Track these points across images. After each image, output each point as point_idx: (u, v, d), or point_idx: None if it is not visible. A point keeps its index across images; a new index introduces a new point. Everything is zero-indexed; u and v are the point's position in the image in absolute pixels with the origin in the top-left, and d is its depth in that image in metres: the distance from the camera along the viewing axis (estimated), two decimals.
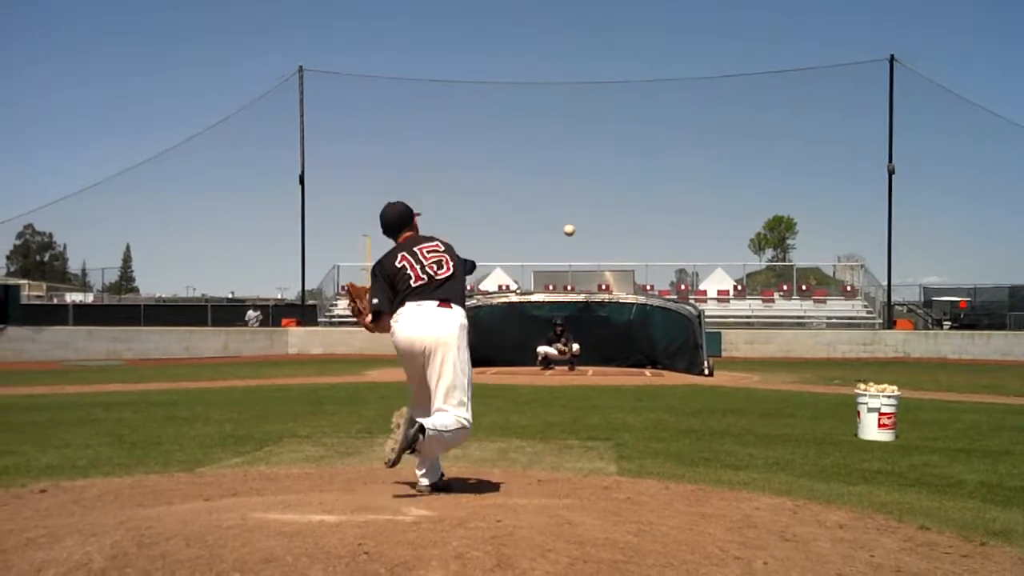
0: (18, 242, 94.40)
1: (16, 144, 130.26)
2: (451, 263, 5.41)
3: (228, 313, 45.42)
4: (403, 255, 5.37)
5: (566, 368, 21.71)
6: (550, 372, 21.29)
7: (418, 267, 5.33)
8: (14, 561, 3.25)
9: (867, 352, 36.48)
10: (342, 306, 45.62)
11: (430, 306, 5.23)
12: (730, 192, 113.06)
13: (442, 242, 5.54)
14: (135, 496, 5.07)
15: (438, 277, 5.32)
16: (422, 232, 5.65)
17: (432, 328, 5.18)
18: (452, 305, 5.32)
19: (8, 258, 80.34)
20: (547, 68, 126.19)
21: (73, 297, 55.09)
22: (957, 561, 3.86)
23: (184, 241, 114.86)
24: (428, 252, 5.41)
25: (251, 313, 41.60)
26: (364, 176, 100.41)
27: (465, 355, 5.33)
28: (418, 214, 5.65)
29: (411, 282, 5.27)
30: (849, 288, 47.11)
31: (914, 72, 44.32)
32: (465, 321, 5.40)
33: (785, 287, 47.26)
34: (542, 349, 22.09)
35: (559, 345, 21.87)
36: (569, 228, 19.90)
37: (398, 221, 5.59)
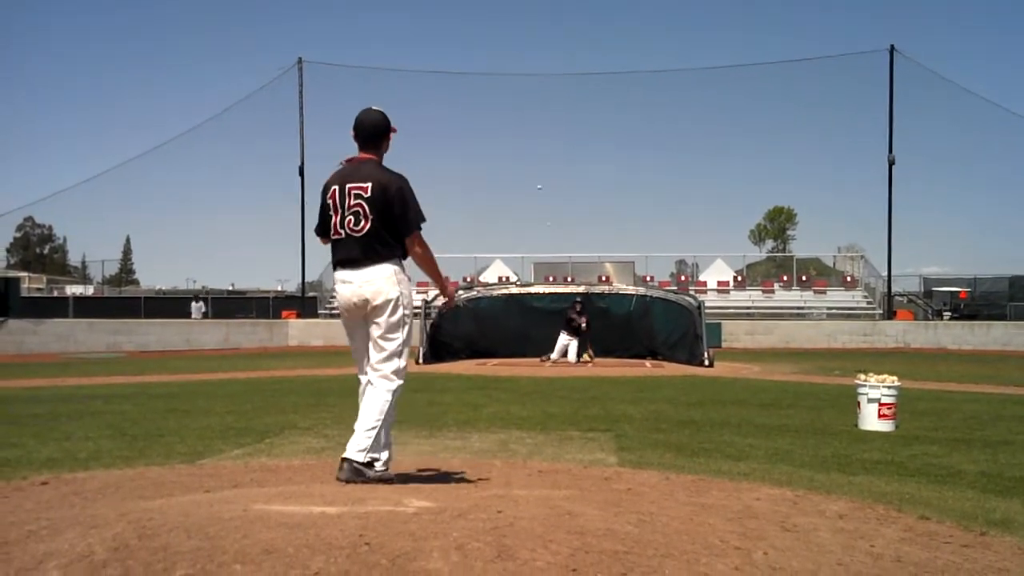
0: (18, 235, 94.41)
1: (16, 136, 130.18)
2: (369, 219, 4.93)
3: (229, 305, 45.42)
4: (335, 189, 5.02)
5: (582, 360, 21.73)
6: (549, 362, 21.33)
7: (338, 217, 4.99)
8: (16, 553, 3.25)
9: (867, 343, 36.51)
10: None
11: (347, 274, 4.99)
12: (730, 183, 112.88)
13: (377, 183, 4.96)
14: (136, 488, 5.08)
15: (353, 235, 4.95)
16: (391, 152, 5.20)
17: (356, 294, 4.96)
18: (364, 266, 4.95)
19: (8, 251, 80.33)
20: (548, 59, 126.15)
21: (73, 289, 55.16)
22: (957, 551, 3.86)
23: (184, 233, 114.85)
24: (353, 197, 4.96)
25: (195, 305, 41.11)
26: None
27: (394, 318, 4.98)
28: (393, 130, 5.17)
29: (331, 233, 5.03)
30: (849, 279, 47.14)
31: (914, 62, 44.30)
32: (385, 280, 4.95)
33: (785, 278, 47.31)
34: (563, 342, 22.06)
35: (579, 348, 21.86)
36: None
37: (365, 133, 5.13)
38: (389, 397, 4.94)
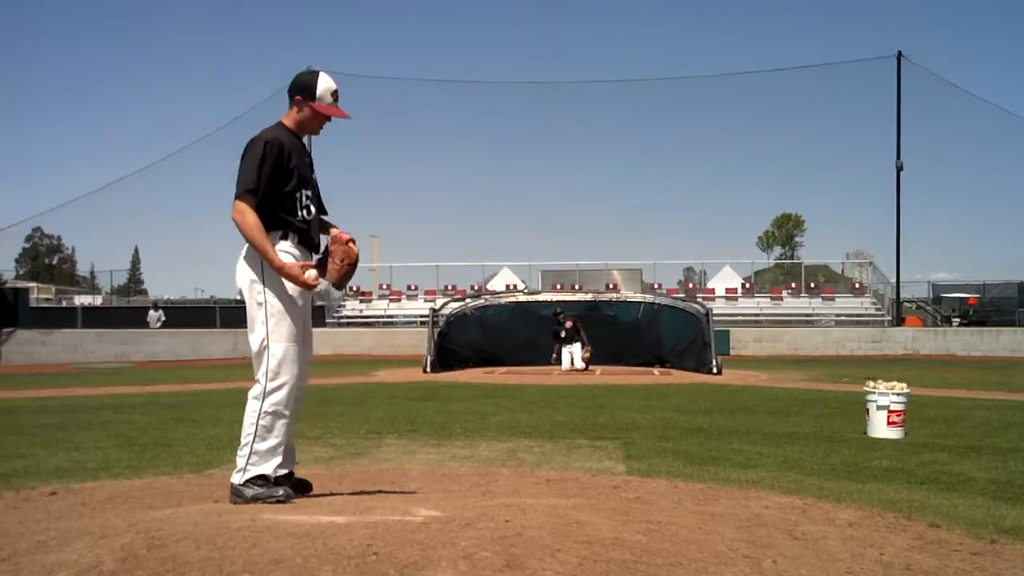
0: (27, 245, 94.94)
1: (24, 146, 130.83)
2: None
3: (237, 315, 45.47)
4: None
5: (582, 367, 21.74)
6: (560, 372, 21.31)
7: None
8: (25, 563, 3.26)
9: (876, 349, 36.41)
10: (350, 307, 45.74)
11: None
12: (738, 190, 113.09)
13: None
14: (145, 498, 5.08)
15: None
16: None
17: None
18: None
19: (17, 261, 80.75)
20: (555, 67, 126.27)
21: (82, 299, 55.23)
22: (967, 559, 3.84)
23: (192, 243, 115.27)
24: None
25: (152, 314, 40.90)
26: (370, 176, 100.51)
27: (251, 305, 4.49)
28: (300, 100, 4.61)
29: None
30: (858, 285, 46.99)
31: (922, 68, 44.26)
32: (240, 260, 4.52)
33: (793, 285, 47.15)
34: (567, 352, 22.06)
35: (581, 351, 21.84)
36: None
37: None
38: (255, 406, 4.41)
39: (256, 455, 4.39)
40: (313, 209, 4.62)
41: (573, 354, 21.95)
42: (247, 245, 4.40)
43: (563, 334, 22.09)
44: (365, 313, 44.42)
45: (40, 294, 57.39)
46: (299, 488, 4.68)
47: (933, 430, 9.17)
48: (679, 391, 15.37)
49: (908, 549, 3.95)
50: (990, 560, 3.86)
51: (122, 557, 3.22)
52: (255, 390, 4.41)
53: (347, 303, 46.71)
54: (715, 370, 20.67)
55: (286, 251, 4.45)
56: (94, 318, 40.88)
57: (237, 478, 4.41)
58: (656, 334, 24.45)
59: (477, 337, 24.51)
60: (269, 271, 4.36)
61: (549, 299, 26.63)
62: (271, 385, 4.37)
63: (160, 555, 3.23)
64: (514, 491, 5.29)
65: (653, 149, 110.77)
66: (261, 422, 4.38)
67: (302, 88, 4.60)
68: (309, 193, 4.60)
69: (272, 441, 4.40)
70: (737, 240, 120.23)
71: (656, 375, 20.61)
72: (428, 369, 21.29)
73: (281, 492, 4.41)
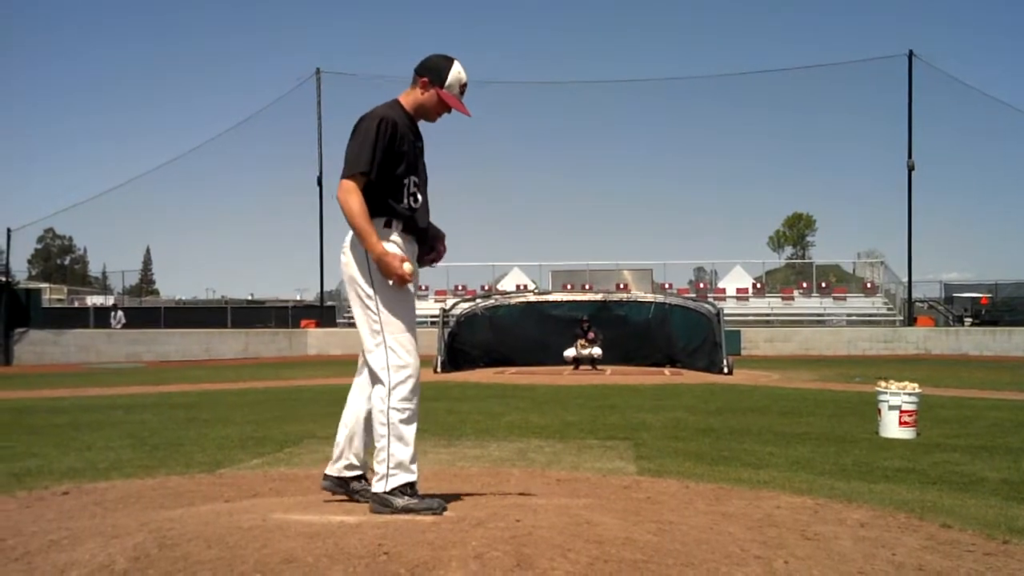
0: (39, 246, 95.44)
1: (36, 148, 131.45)
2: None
3: (248, 315, 45.61)
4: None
5: (589, 367, 21.75)
6: (571, 371, 21.29)
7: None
8: (37, 563, 3.27)
9: (888, 349, 36.31)
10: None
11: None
12: (749, 190, 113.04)
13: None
14: (156, 498, 5.10)
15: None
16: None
17: None
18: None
19: (29, 262, 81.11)
20: (565, 67, 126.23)
21: (94, 300, 55.49)
22: (980, 559, 3.83)
23: (204, 243, 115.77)
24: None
25: (113, 315, 40.70)
26: None
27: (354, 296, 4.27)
28: (427, 81, 4.31)
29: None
30: (869, 285, 46.89)
31: (933, 67, 44.09)
32: (345, 247, 4.29)
33: (804, 284, 47.09)
34: (569, 353, 22.09)
35: (584, 342, 21.87)
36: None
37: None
38: (382, 406, 4.12)
39: (397, 459, 4.06)
40: (420, 197, 4.32)
41: (575, 355, 21.99)
42: (351, 233, 4.13)
43: (585, 333, 22.09)
44: None
45: (52, 295, 57.68)
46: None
47: (945, 430, 9.13)
48: (690, 391, 15.34)
49: (920, 549, 3.94)
50: (1002, 560, 3.84)
51: (134, 556, 3.23)
52: (379, 390, 4.10)
53: None
54: (726, 370, 20.62)
55: (390, 239, 4.17)
56: (106, 318, 41.05)
57: (380, 486, 4.06)
58: (667, 334, 24.41)
59: (487, 337, 24.51)
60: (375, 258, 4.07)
61: (560, 299, 26.63)
62: (395, 379, 4.07)
63: (171, 555, 3.24)
64: (525, 491, 5.29)
65: (663, 149, 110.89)
66: (392, 420, 4.05)
67: (432, 70, 4.29)
68: (417, 180, 4.31)
69: (409, 438, 4.09)
70: (748, 240, 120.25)
71: (667, 375, 20.58)
72: (439, 369, 21.31)
73: (436, 503, 4.08)
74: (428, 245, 4.45)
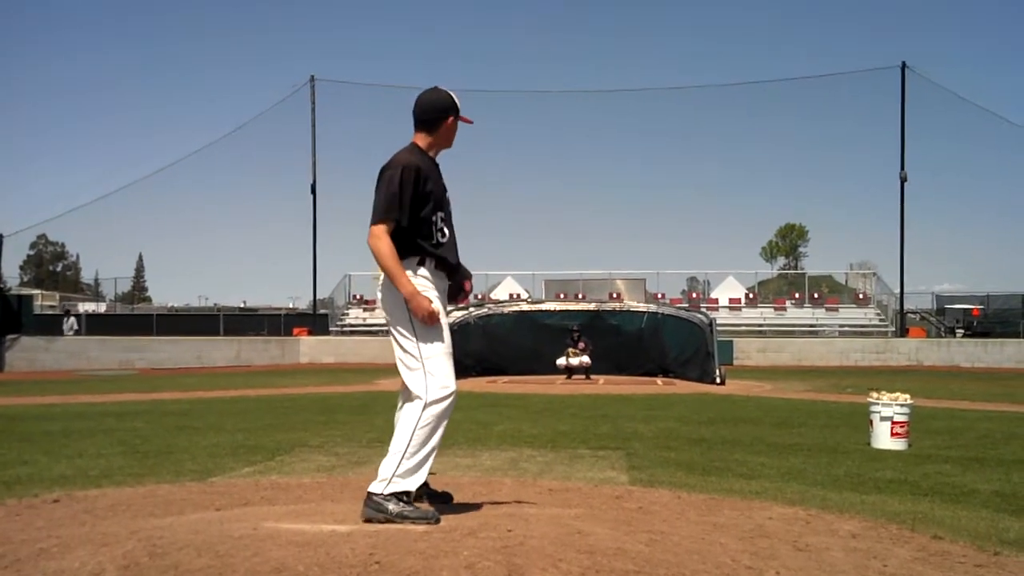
0: (31, 252, 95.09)
1: (29, 154, 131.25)
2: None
3: (240, 322, 45.51)
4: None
5: (582, 376, 21.78)
6: (564, 381, 21.29)
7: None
8: (27, 571, 3.26)
9: (880, 360, 36.39)
10: (353, 315, 45.78)
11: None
12: (741, 200, 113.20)
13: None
14: (147, 506, 5.08)
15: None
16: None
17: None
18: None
19: (21, 268, 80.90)
20: (559, 76, 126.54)
21: (86, 307, 55.32)
22: (971, 571, 3.84)
23: (196, 250, 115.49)
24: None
25: (66, 321, 40.43)
26: (371, 186, 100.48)
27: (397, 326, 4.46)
28: (451, 115, 4.59)
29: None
30: (861, 296, 46.98)
31: (926, 79, 44.29)
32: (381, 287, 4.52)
33: (797, 295, 47.19)
34: (560, 362, 22.13)
35: (575, 350, 21.92)
36: None
37: (414, 113, 4.61)
38: (413, 416, 4.29)
39: (405, 468, 4.20)
40: (447, 231, 4.52)
41: (567, 364, 22.03)
42: (384, 275, 4.37)
43: (575, 343, 22.15)
44: (369, 321, 44.40)
45: (44, 301, 57.51)
46: (437, 499, 4.66)
47: (937, 441, 9.15)
48: (682, 401, 15.35)
49: (911, 561, 3.94)
50: (994, 572, 3.85)
51: (124, 565, 3.22)
52: (416, 403, 4.26)
53: (351, 311, 46.80)
54: (718, 380, 20.65)
55: (424, 277, 4.41)
56: (98, 325, 40.92)
57: (378, 487, 4.17)
58: (659, 344, 24.44)
59: (480, 346, 24.50)
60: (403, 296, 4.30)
61: (553, 308, 26.63)
62: (433, 396, 4.25)
63: (161, 563, 3.23)
64: (516, 500, 5.28)
65: (657, 159, 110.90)
66: (417, 433, 4.23)
67: (449, 107, 4.56)
68: (443, 215, 4.52)
69: (424, 454, 4.26)
70: (741, 250, 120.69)
71: (659, 385, 20.59)
72: None
73: (430, 512, 4.19)
74: (457, 284, 4.66)
